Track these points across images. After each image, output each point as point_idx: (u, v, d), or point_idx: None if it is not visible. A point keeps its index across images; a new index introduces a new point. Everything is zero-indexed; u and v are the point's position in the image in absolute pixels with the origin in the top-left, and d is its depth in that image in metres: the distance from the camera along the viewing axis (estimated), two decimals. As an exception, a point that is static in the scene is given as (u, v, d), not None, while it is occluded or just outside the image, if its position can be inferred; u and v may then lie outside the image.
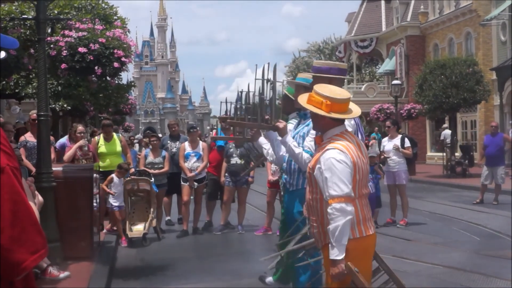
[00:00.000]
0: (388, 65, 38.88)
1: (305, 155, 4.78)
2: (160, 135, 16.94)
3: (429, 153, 35.22)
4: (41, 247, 2.17)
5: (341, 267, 3.65)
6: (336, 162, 3.71)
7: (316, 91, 3.89)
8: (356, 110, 4.00)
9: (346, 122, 4.09)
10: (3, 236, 2.02)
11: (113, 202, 10.22)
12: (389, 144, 12.04)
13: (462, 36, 32.96)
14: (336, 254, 3.64)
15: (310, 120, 5.18)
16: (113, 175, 10.28)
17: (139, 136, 31.46)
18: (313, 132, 4.79)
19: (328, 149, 3.78)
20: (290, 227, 5.17)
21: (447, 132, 25.45)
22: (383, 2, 41.08)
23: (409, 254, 8.91)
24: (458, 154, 25.36)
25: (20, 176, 2.20)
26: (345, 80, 5.70)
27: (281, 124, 4.96)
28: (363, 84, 38.36)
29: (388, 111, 29.68)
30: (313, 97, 3.88)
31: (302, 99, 4.03)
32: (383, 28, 40.20)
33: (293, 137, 5.13)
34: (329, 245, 3.69)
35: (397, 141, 11.97)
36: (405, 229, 11.37)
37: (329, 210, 3.67)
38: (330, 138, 3.88)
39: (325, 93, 3.84)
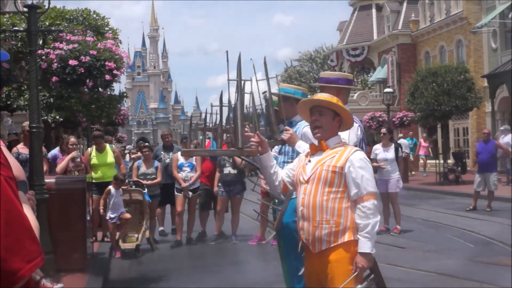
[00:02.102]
0: (380, 73, 39.01)
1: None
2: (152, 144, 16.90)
3: (422, 161, 35.26)
4: (36, 255, 2.16)
5: (372, 259, 3.93)
6: (368, 163, 4.05)
7: (339, 100, 4.18)
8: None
9: (354, 132, 4.61)
10: None
11: (110, 214, 10.13)
12: (382, 153, 12.09)
13: (453, 44, 33.13)
14: (371, 248, 3.88)
15: (296, 128, 5.22)
16: (110, 187, 10.22)
17: (129, 147, 31.39)
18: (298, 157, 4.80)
19: (357, 150, 4.07)
20: (286, 237, 5.17)
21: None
22: (374, 11, 41.25)
23: (403, 262, 8.91)
24: (450, 161, 25.42)
25: (16, 186, 2.20)
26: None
27: (287, 134, 4.75)
28: (355, 93, 38.40)
29: (380, 119, 29.76)
30: (339, 103, 4.13)
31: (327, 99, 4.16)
32: (375, 37, 40.35)
33: (281, 148, 5.17)
34: (362, 239, 3.88)
35: (391, 150, 12.06)
36: (399, 237, 11.38)
37: (369, 205, 3.90)
38: (340, 143, 4.14)
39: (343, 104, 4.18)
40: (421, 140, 27.85)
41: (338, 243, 3.95)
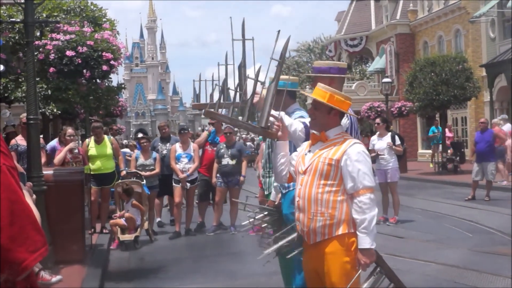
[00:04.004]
0: (378, 63, 38.95)
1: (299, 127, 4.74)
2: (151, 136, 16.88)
3: (420, 151, 35.32)
4: (41, 246, 2.15)
5: (374, 254, 3.90)
6: (367, 156, 4.00)
7: (335, 91, 4.09)
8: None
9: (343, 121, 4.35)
10: (2, 235, 2.00)
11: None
12: (379, 143, 12.06)
13: (451, 34, 33.06)
14: (371, 243, 3.85)
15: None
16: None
17: (125, 142, 31.26)
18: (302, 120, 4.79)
19: (355, 143, 4.00)
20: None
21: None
22: (372, 1, 41.14)
23: (402, 252, 8.91)
24: (449, 151, 25.40)
25: (18, 175, 2.18)
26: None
27: (277, 127, 4.30)
28: (353, 83, 38.35)
29: (378, 109, 29.71)
30: (335, 96, 4.05)
31: (319, 97, 4.08)
32: (373, 27, 40.27)
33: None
34: (361, 235, 3.85)
35: (387, 139, 12.00)
36: (398, 227, 11.39)
37: (364, 200, 3.86)
38: (340, 134, 4.08)
39: (344, 94, 4.12)
40: (446, 130, 26.84)
41: (333, 235, 3.94)
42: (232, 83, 4.59)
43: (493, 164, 15.14)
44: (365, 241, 3.84)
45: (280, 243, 4.60)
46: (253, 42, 4.49)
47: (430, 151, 28.50)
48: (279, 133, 4.21)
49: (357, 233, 3.87)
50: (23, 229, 2.07)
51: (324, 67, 5.02)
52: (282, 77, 5.44)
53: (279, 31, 4.19)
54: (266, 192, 5.87)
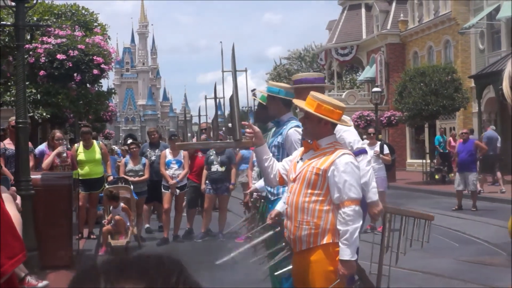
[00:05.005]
0: (368, 72, 39.11)
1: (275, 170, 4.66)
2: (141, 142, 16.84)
3: (409, 160, 35.44)
4: (18, 252, 2.15)
5: (354, 266, 3.89)
6: (355, 167, 3.97)
7: (326, 100, 4.04)
8: (349, 120, 4.35)
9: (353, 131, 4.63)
10: None
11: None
12: (369, 151, 12.10)
13: (441, 44, 33.27)
14: (351, 255, 3.83)
15: (283, 128, 5.17)
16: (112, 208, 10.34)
17: (115, 147, 31.02)
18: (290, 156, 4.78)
19: (344, 154, 3.97)
20: (274, 236, 5.16)
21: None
22: (363, 10, 41.34)
23: (388, 261, 8.91)
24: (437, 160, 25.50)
25: None
26: (326, 88, 5.47)
27: (250, 134, 4.27)
28: (343, 92, 38.50)
29: (368, 118, 29.84)
30: (323, 105, 4.00)
31: (306, 106, 4.09)
32: (364, 36, 40.44)
33: (269, 147, 5.12)
34: (342, 246, 3.84)
35: (376, 147, 12.09)
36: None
37: (348, 212, 3.83)
38: (332, 143, 4.06)
39: (335, 103, 4.07)
40: (450, 139, 26.66)
41: (317, 244, 3.95)
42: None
43: (474, 174, 15.23)
44: (345, 253, 3.83)
45: (256, 241, 4.63)
46: (246, 73, 4.48)
47: (420, 160, 28.56)
48: (253, 139, 4.21)
49: (339, 243, 3.86)
50: (1, 235, 2.07)
51: (302, 79, 5.02)
52: (277, 84, 5.47)
53: (233, 45, 4.24)
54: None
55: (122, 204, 10.34)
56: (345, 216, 3.83)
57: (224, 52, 4.30)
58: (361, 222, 3.91)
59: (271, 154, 4.38)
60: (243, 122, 4.28)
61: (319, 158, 3.99)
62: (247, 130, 4.24)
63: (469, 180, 14.96)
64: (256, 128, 4.28)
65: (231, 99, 4.30)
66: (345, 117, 4.23)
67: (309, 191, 3.97)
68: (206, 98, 5.09)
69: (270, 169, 4.30)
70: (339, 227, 3.86)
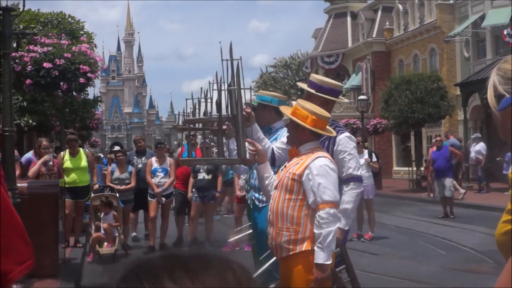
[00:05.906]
0: (354, 80, 39.27)
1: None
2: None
3: (395, 168, 35.57)
4: (28, 258, 2.11)
5: (329, 271, 3.82)
6: (330, 170, 3.92)
7: (303, 105, 4.04)
8: (332, 130, 4.25)
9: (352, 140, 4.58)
10: None
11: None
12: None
13: (426, 52, 33.49)
14: (325, 258, 3.78)
15: (275, 135, 5.21)
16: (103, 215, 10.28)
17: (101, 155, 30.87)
18: (283, 140, 4.77)
19: (319, 157, 3.94)
20: (262, 243, 5.16)
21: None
22: (349, 19, 41.55)
23: (375, 269, 8.96)
24: (423, 168, 25.62)
25: (4, 182, 2.15)
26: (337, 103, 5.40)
27: (253, 152, 4.27)
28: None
29: (354, 126, 29.92)
30: (298, 110, 4.01)
31: (287, 111, 4.16)
32: (349, 44, 40.64)
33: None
34: (316, 249, 3.80)
35: (365, 155, 12.16)
36: (372, 244, 11.45)
37: (322, 215, 3.80)
38: (312, 149, 4.02)
39: (311, 109, 4.00)
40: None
41: (297, 251, 3.93)
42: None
43: (450, 180, 15.30)
44: (319, 256, 3.80)
45: (237, 236, 4.65)
46: (240, 62, 4.42)
47: (406, 168, 28.65)
48: (256, 157, 4.22)
49: (315, 247, 3.84)
50: (11, 240, 2.03)
51: (325, 87, 4.75)
52: (269, 93, 5.49)
53: (238, 63, 4.26)
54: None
55: (114, 212, 10.30)
56: (319, 219, 3.81)
57: (224, 52, 4.30)
58: (336, 225, 3.86)
59: (272, 172, 4.36)
60: (246, 140, 4.28)
61: (296, 163, 4.00)
62: (250, 147, 4.24)
63: (445, 186, 15.03)
64: (259, 146, 4.29)
65: (234, 116, 4.28)
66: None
67: (287, 196, 3.97)
68: (209, 83, 4.74)
69: (270, 186, 4.28)
70: (314, 230, 3.84)
